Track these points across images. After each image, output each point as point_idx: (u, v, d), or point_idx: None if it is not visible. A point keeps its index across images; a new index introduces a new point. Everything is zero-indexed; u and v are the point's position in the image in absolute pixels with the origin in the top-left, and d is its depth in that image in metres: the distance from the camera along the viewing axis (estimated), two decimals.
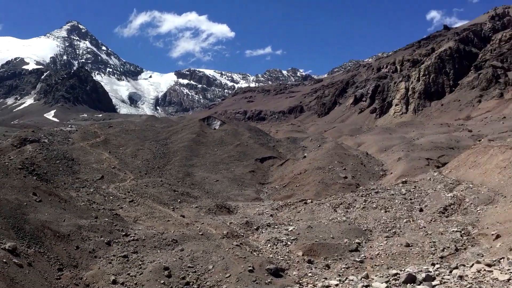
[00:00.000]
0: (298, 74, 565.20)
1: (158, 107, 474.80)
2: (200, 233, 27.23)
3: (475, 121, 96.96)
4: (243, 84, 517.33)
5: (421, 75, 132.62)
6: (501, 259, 7.95)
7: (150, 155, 58.17)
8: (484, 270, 7.27)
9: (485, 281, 6.94)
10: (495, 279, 6.79)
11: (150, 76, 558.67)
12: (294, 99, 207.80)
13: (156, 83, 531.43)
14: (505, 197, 31.51)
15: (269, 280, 21.45)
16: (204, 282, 21.28)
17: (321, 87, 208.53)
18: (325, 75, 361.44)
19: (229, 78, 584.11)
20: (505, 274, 6.82)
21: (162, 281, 20.89)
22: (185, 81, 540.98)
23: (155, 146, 62.42)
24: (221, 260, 22.90)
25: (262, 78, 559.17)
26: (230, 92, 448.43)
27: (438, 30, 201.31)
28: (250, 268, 21.96)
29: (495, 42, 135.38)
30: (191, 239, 25.97)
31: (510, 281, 6.64)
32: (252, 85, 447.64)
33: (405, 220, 30.35)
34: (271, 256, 25.41)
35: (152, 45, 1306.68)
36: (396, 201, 34.87)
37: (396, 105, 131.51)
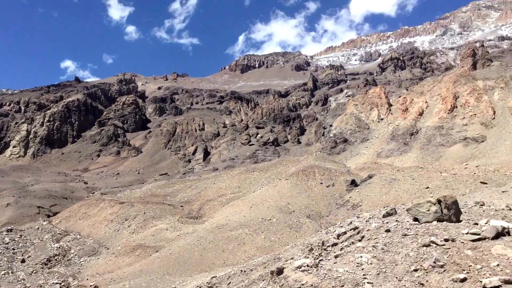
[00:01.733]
0: None
1: None
2: None
3: (92, 174, 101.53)
4: None
5: (45, 121, 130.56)
6: None
7: None
8: None
9: None
10: None
11: None
12: None
13: None
14: (108, 248, 33.86)
15: None
16: None
17: None
18: None
19: None
20: None
21: None
22: None
23: None
24: None
25: None
26: None
27: (70, 80, 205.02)
28: None
29: (120, 104, 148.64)
30: None
31: None
32: None
33: (3, 272, 28.05)
34: None
35: None
36: None
37: (14, 146, 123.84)
